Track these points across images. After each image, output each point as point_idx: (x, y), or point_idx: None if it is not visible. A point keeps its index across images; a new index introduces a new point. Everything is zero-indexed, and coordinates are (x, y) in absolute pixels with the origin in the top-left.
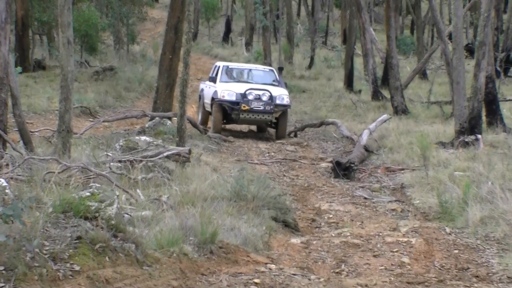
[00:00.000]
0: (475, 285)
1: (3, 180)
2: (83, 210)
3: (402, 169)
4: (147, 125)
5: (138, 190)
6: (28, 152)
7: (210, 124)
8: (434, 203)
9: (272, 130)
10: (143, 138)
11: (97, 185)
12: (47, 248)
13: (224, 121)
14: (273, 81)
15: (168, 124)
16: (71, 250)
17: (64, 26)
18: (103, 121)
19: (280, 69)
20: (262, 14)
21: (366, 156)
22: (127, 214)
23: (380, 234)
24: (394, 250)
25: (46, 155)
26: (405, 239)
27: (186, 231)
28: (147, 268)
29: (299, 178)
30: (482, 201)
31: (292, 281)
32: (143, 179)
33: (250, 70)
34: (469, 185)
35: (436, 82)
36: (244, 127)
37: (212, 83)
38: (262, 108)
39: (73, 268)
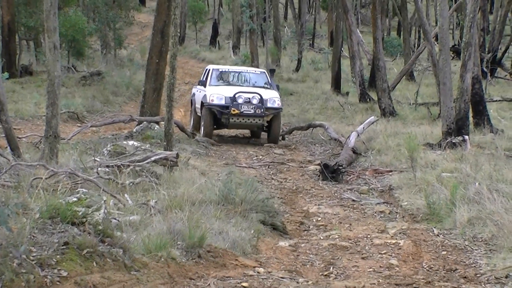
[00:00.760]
0: (463, 286)
1: None
2: (70, 215)
3: (390, 171)
4: (134, 130)
5: (126, 195)
6: (15, 158)
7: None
8: (422, 205)
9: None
10: (130, 142)
11: (85, 190)
12: (34, 254)
13: (215, 126)
14: (265, 83)
15: (155, 128)
16: (58, 256)
17: (50, 31)
18: (90, 126)
19: (272, 71)
20: (249, 17)
21: (354, 158)
22: (115, 219)
23: (369, 236)
24: (383, 252)
25: (34, 161)
26: (393, 241)
27: (174, 235)
28: (135, 273)
29: (287, 181)
30: (469, 202)
31: (281, 284)
32: (131, 183)
33: (241, 73)
34: (457, 186)
35: (423, 83)
36: (233, 131)
37: (202, 87)
38: (252, 111)
39: (60, 274)
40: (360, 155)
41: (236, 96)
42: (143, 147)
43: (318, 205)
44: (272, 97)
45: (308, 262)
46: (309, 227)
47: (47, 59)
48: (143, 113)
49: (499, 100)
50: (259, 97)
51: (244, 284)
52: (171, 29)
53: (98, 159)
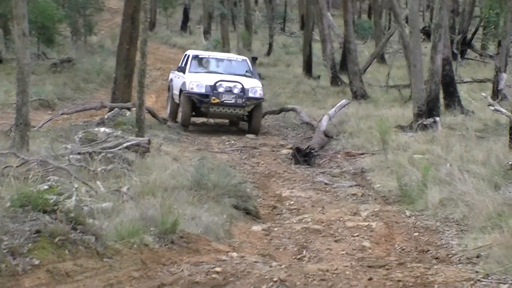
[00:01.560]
0: (435, 266)
1: None
2: (41, 203)
3: (362, 154)
4: (106, 116)
5: (98, 182)
6: None
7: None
8: (394, 187)
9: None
10: (102, 129)
11: (56, 178)
12: (6, 243)
13: (193, 114)
14: (246, 71)
15: (127, 114)
16: (30, 244)
17: (19, 18)
18: (62, 114)
19: (254, 59)
20: (220, 2)
21: (326, 142)
22: (87, 206)
23: (341, 219)
24: (355, 234)
25: (4, 149)
26: (366, 223)
27: (147, 221)
28: (107, 260)
29: (260, 165)
30: (441, 183)
31: (254, 268)
32: (103, 170)
33: (222, 60)
34: (428, 167)
35: (395, 65)
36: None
37: (181, 73)
38: (233, 101)
39: (32, 262)
40: (332, 138)
41: (217, 84)
42: (114, 133)
43: (291, 189)
44: (254, 87)
45: (281, 246)
46: (282, 211)
47: (16, 47)
48: (114, 99)
49: (470, 82)
50: (241, 86)
51: (217, 269)
52: (141, 15)
53: (70, 147)
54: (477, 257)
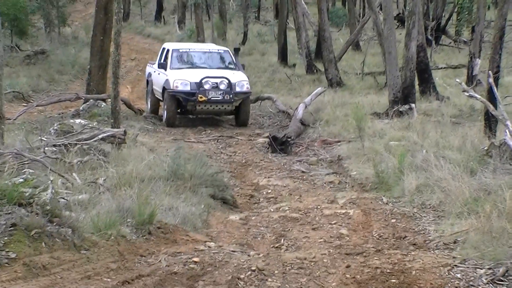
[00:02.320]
0: (413, 253)
1: None
2: (17, 196)
3: (339, 141)
4: (81, 108)
5: (74, 174)
6: None
7: (161, 112)
8: (371, 174)
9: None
10: (77, 121)
11: (31, 170)
12: None
13: (179, 111)
14: (229, 63)
15: (102, 106)
16: (6, 238)
17: None
18: (36, 106)
19: (236, 50)
20: None
21: (302, 130)
22: (63, 198)
23: (319, 207)
24: (333, 222)
25: None
26: (343, 211)
27: (124, 213)
28: (84, 252)
29: (237, 154)
30: (417, 170)
31: (232, 258)
32: (79, 162)
33: (203, 52)
34: (404, 154)
35: (369, 53)
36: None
37: (162, 70)
38: (220, 97)
39: (8, 255)
40: (308, 127)
41: (203, 81)
42: (90, 125)
43: (268, 177)
44: (241, 81)
45: (259, 234)
46: (259, 200)
47: None
48: (89, 91)
49: (444, 68)
50: (227, 81)
51: (195, 259)
52: (114, 6)
53: (45, 139)
54: (454, 242)
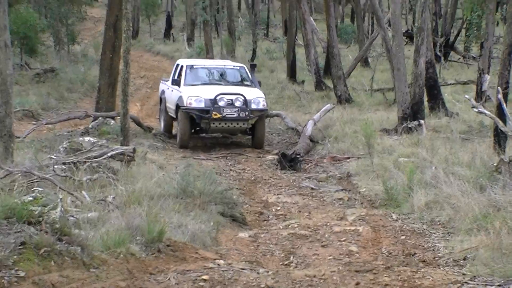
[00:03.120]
0: (422, 270)
1: None
2: (26, 215)
3: (348, 158)
4: (90, 126)
5: (83, 192)
6: None
7: (175, 130)
8: (380, 190)
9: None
10: (87, 139)
11: (40, 189)
12: None
13: (193, 131)
14: (245, 80)
15: (111, 123)
16: (15, 256)
17: (1, 29)
18: (46, 123)
19: (253, 67)
20: (202, 8)
21: (311, 147)
22: (72, 216)
23: (328, 224)
24: (342, 239)
25: None
26: (353, 228)
27: (133, 230)
28: (94, 270)
29: (246, 171)
30: (426, 186)
31: (241, 275)
32: (88, 180)
33: (218, 68)
34: (414, 170)
35: (378, 69)
36: None
37: (175, 87)
38: (235, 115)
39: (18, 274)
40: (317, 143)
41: (218, 98)
42: (99, 142)
43: (277, 194)
44: (257, 97)
45: (268, 252)
46: (268, 217)
47: None
48: (98, 108)
49: (453, 84)
50: (243, 98)
51: (205, 277)
52: (124, 23)
53: (54, 157)
54: (464, 259)
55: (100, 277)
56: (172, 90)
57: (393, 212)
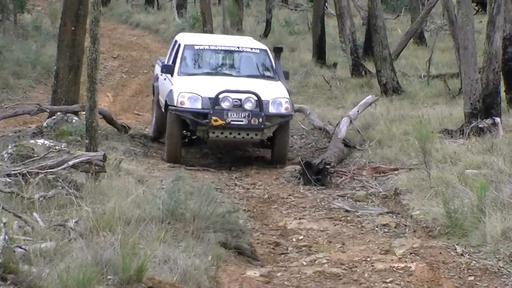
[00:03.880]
0: None
1: None
2: None
3: (396, 169)
4: (45, 124)
5: (35, 214)
6: None
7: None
8: (440, 214)
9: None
10: (40, 141)
11: None
12: None
13: (186, 141)
14: (266, 70)
15: (74, 120)
16: None
17: None
18: None
19: (277, 50)
20: None
21: (346, 154)
22: (20, 247)
23: (368, 259)
24: (388, 280)
25: None
26: (402, 265)
27: (103, 267)
28: None
29: (256, 187)
30: (504, 208)
31: None
32: (42, 198)
33: (229, 51)
34: (486, 187)
35: (438, 48)
36: None
37: (168, 75)
38: (244, 122)
39: None
40: (354, 149)
41: (220, 97)
42: (57, 147)
43: (299, 218)
44: (277, 98)
45: None
46: (287, 249)
47: None
48: (56, 100)
49: None
50: (256, 98)
51: None
52: None
53: None
54: None
55: None
56: (164, 79)
57: (457, 244)
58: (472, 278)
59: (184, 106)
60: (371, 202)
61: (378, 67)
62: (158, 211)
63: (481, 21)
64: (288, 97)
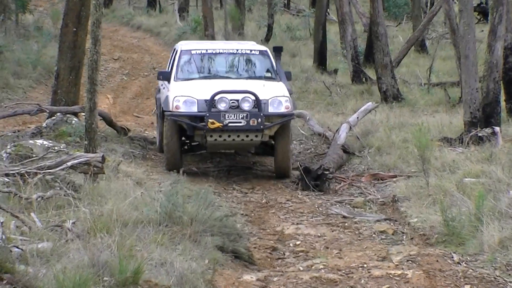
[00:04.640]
0: None
1: None
2: None
3: (394, 176)
4: (45, 124)
5: (32, 214)
6: None
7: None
8: (438, 222)
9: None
10: (39, 142)
11: None
12: None
13: (185, 148)
14: (266, 71)
15: (73, 122)
16: None
17: None
18: None
19: (277, 50)
20: None
21: (345, 160)
22: (17, 247)
23: (365, 265)
24: (384, 287)
25: None
26: (399, 272)
27: (99, 268)
28: None
29: (255, 191)
30: (501, 217)
31: None
32: (40, 198)
33: (228, 54)
34: (484, 195)
35: (439, 56)
36: None
37: (165, 82)
38: (242, 123)
39: None
40: (353, 155)
41: (216, 98)
42: (56, 147)
43: (297, 224)
44: (276, 97)
45: None
46: (284, 254)
47: None
48: (56, 101)
49: None
50: (253, 98)
51: None
52: None
53: None
54: None
55: None
56: (163, 87)
57: (454, 252)
58: (468, 286)
59: (179, 110)
60: (369, 208)
61: (379, 74)
62: (155, 213)
63: (482, 30)
64: (288, 95)
